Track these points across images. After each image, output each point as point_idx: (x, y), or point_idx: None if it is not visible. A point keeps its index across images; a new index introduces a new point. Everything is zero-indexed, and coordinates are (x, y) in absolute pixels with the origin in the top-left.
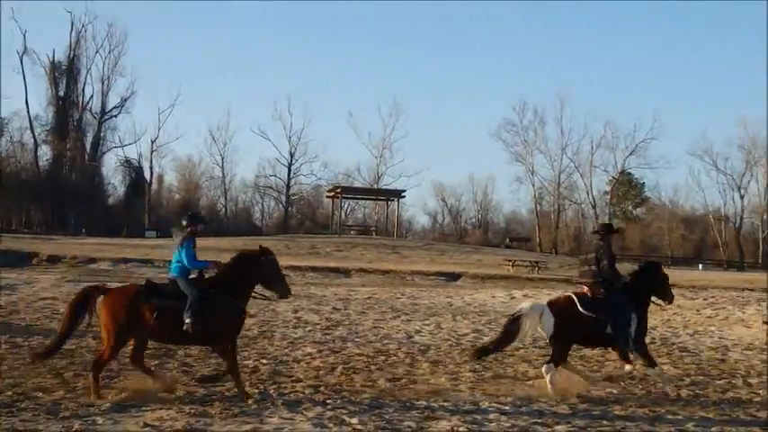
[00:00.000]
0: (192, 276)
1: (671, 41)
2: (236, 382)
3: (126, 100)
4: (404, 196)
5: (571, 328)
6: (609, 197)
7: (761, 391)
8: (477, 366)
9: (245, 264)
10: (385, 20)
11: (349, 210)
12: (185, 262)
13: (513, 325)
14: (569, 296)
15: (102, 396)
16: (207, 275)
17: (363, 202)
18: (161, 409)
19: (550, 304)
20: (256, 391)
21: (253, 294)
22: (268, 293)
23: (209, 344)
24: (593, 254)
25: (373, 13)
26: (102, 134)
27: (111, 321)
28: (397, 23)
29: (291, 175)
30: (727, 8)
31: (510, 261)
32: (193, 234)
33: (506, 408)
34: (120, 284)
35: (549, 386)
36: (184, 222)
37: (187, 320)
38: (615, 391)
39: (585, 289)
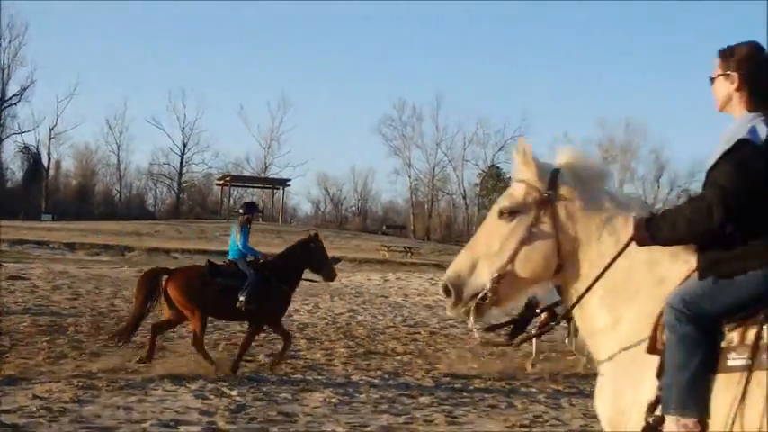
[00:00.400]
0: (249, 260)
1: (537, 47)
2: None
3: (26, 89)
4: (289, 185)
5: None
6: (478, 189)
7: None
8: (350, 343)
9: (298, 250)
10: (275, 18)
11: (237, 197)
12: (240, 246)
13: None
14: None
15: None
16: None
17: (251, 189)
18: (50, 382)
19: None
20: (142, 365)
21: (303, 278)
22: (316, 277)
23: (256, 323)
24: None
25: (265, 11)
26: (1, 121)
27: (184, 297)
28: (287, 23)
29: (184, 163)
30: (583, 8)
31: (386, 247)
32: (249, 221)
33: (376, 381)
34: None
35: None
36: (241, 211)
37: (241, 299)
38: (476, 366)
39: None
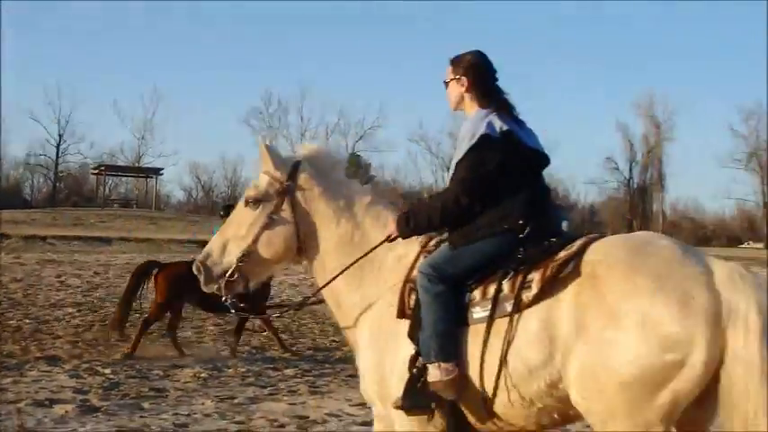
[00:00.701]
0: None
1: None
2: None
3: None
4: (162, 173)
5: None
6: None
7: None
8: (220, 321)
9: None
10: (148, 14)
11: (113, 185)
12: None
13: None
14: None
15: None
16: None
17: (126, 178)
18: None
19: None
20: (17, 347)
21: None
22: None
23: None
24: None
25: (137, 5)
26: None
27: (168, 291)
28: (160, 18)
29: (60, 154)
30: (419, 8)
31: None
32: None
33: (244, 356)
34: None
35: None
36: (222, 213)
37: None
38: (337, 340)
39: None
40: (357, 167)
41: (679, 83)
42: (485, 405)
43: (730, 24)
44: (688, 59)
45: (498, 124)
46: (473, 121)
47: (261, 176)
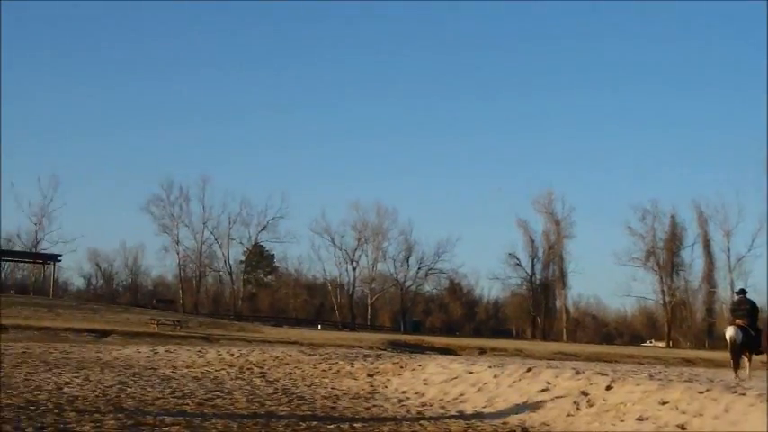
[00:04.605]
0: None
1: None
2: None
3: None
4: (60, 260)
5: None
6: (244, 266)
7: None
8: (120, 415)
9: None
10: (50, 97)
11: (9, 271)
12: None
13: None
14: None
15: None
16: None
17: (23, 264)
18: None
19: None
20: None
21: None
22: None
23: None
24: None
25: (38, 93)
26: None
27: None
28: (60, 102)
29: None
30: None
31: (155, 320)
32: None
33: None
34: None
35: None
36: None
37: None
38: None
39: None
40: (260, 258)
41: (576, 182)
42: None
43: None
44: (585, 160)
45: None
46: None
47: None
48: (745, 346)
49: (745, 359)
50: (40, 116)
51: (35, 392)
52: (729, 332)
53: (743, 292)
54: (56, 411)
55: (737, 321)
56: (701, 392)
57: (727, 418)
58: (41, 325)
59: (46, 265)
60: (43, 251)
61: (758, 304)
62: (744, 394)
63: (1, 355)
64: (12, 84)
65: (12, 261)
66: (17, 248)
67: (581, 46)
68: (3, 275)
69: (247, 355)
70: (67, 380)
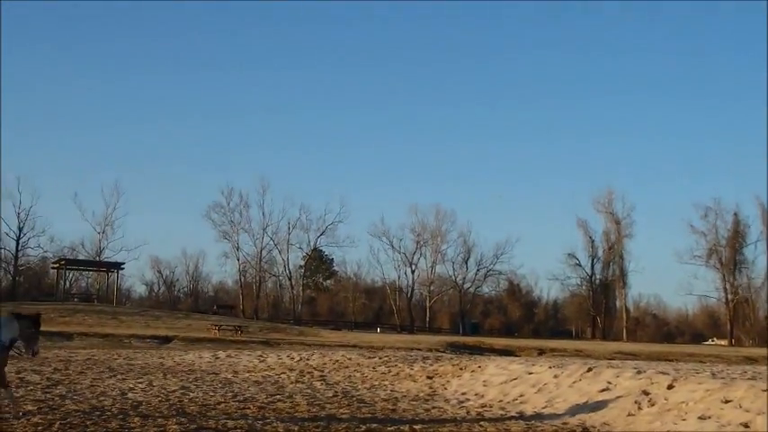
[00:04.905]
0: None
1: (356, 142)
2: None
3: None
4: (123, 268)
5: None
6: (303, 271)
7: None
8: (183, 419)
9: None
10: (105, 109)
11: (73, 279)
12: None
13: None
14: None
15: None
16: None
17: (86, 272)
18: None
19: None
20: None
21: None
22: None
23: None
24: None
25: (96, 104)
26: None
27: None
28: (119, 113)
29: (20, 247)
30: (393, 100)
31: (216, 326)
32: None
33: None
34: None
35: None
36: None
37: None
38: None
39: None
40: (320, 263)
41: (637, 179)
42: None
43: (685, 124)
44: (646, 156)
45: None
46: None
47: None
48: None
49: None
50: (103, 124)
51: (100, 398)
52: None
53: None
54: (120, 417)
55: None
56: (765, 390)
57: None
58: (105, 332)
59: (109, 273)
60: (106, 259)
61: None
62: None
63: (67, 362)
64: (71, 92)
65: (76, 269)
66: (81, 257)
67: (638, 44)
68: (68, 284)
69: (307, 359)
70: (131, 385)
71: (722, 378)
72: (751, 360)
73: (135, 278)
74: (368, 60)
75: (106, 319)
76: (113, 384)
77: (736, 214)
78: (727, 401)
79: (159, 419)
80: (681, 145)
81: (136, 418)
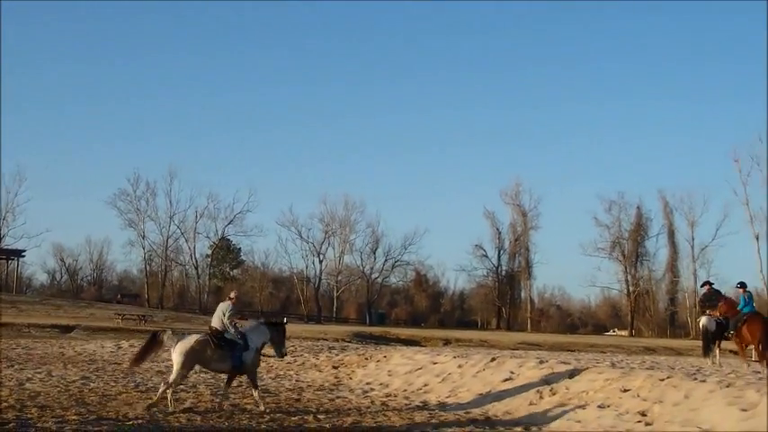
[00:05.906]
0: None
1: (265, 132)
2: None
3: None
4: (24, 256)
5: None
6: (210, 260)
7: (327, 425)
8: (82, 410)
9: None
10: (16, 90)
11: None
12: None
13: None
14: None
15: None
16: None
17: None
18: None
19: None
20: None
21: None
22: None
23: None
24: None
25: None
26: None
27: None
28: (27, 96)
29: None
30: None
31: (120, 315)
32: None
33: None
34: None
35: None
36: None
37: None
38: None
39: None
40: (227, 252)
41: (544, 172)
42: None
43: (593, 115)
44: (553, 147)
45: None
46: None
47: None
48: (716, 335)
49: (716, 347)
50: (5, 109)
51: None
52: (703, 321)
53: (710, 284)
54: (17, 408)
55: (709, 312)
56: (662, 380)
57: (686, 405)
58: (3, 321)
59: (9, 261)
60: (6, 247)
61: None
62: (704, 381)
63: None
64: None
65: None
66: None
67: (549, 37)
68: None
69: None
70: (29, 375)
71: (621, 368)
72: (650, 350)
73: (36, 266)
74: (279, 45)
75: (5, 307)
76: (11, 375)
77: (638, 208)
78: (625, 390)
79: (58, 410)
80: (587, 139)
81: (33, 409)
